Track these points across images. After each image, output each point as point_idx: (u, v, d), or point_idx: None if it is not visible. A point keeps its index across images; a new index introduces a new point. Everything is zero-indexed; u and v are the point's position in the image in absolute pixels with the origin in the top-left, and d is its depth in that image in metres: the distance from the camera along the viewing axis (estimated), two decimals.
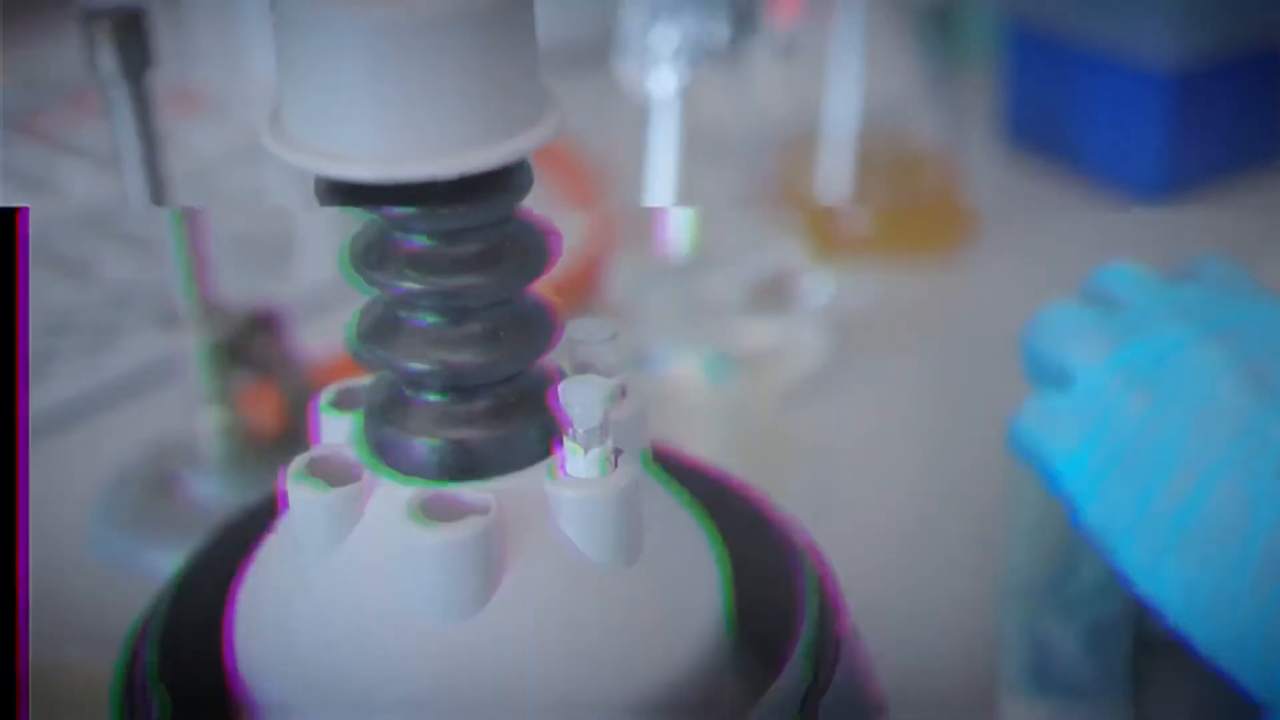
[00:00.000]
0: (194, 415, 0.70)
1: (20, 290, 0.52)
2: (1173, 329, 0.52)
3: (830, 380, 0.79)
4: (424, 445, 0.44)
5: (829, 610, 0.47)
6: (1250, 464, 0.47)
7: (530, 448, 0.45)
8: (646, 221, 0.82)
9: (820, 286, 0.81)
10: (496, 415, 0.44)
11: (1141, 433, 0.50)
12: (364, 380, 0.47)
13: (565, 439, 0.44)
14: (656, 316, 0.78)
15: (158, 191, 0.65)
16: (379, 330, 0.44)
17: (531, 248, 0.44)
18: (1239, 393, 0.49)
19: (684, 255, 0.80)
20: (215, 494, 0.70)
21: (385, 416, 0.45)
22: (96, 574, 0.69)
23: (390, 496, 0.44)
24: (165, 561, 0.52)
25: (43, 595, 0.65)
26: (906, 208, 0.90)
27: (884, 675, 0.48)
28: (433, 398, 0.44)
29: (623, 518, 0.44)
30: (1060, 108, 0.98)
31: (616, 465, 0.44)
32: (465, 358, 0.44)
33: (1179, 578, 0.49)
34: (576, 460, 0.44)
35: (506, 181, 0.43)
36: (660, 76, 0.71)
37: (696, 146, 0.76)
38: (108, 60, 0.62)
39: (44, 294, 0.85)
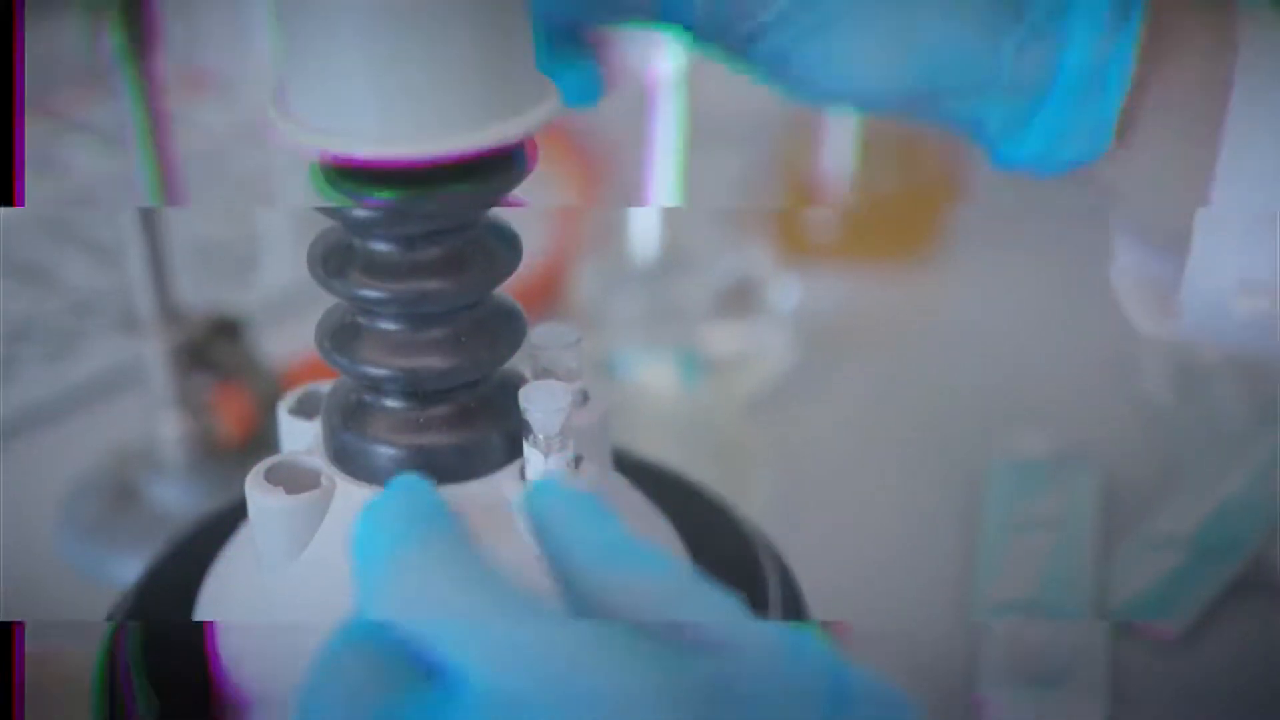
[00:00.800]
0: (157, 421, 0.70)
1: None
2: None
3: (797, 385, 0.79)
4: (385, 451, 0.44)
5: (794, 615, 0.47)
6: None
7: (492, 454, 0.45)
8: (613, 223, 0.81)
9: (787, 291, 0.81)
10: (459, 421, 0.44)
11: None
12: (326, 385, 0.47)
13: (526, 445, 0.43)
14: (622, 320, 0.78)
15: (164, 172, 0.65)
16: (340, 336, 0.44)
17: (496, 252, 0.44)
18: None
19: (650, 258, 0.79)
20: (178, 500, 0.69)
21: (346, 422, 0.45)
22: (59, 579, 0.68)
23: (351, 503, 0.44)
24: (128, 567, 0.52)
25: (7, 597, 0.65)
26: (892, 200, 0.90)
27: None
28: (394, 404, 0.44)
29: None
30: None
31: (578, 471, 0.44)
32: (426, 364, 0.43)
33: None
34: (538, 466, 0.43)
35: (501, 166, 0.43)
36: (661, 59, 0.71)
37: (697, 130, 0.76)
38: (113, 40, 0.62)
39: (6, 300, 0.85)
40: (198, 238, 0.88)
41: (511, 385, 0.45)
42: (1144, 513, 0.68)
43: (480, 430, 0.44)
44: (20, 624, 0.51)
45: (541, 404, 0.43)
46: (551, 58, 0.49)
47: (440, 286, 0.43)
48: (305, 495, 0.44)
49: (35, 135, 0.91)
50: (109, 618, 0.48)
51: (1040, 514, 0.68)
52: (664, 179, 0.76)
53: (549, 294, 0.83)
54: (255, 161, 0.92)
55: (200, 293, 0.77)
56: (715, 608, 0.38)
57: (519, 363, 0.46)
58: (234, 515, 0.49)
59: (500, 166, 0.42)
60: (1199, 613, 0.63)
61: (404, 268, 0.43)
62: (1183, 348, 0.76)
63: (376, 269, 0.43)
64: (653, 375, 0.75)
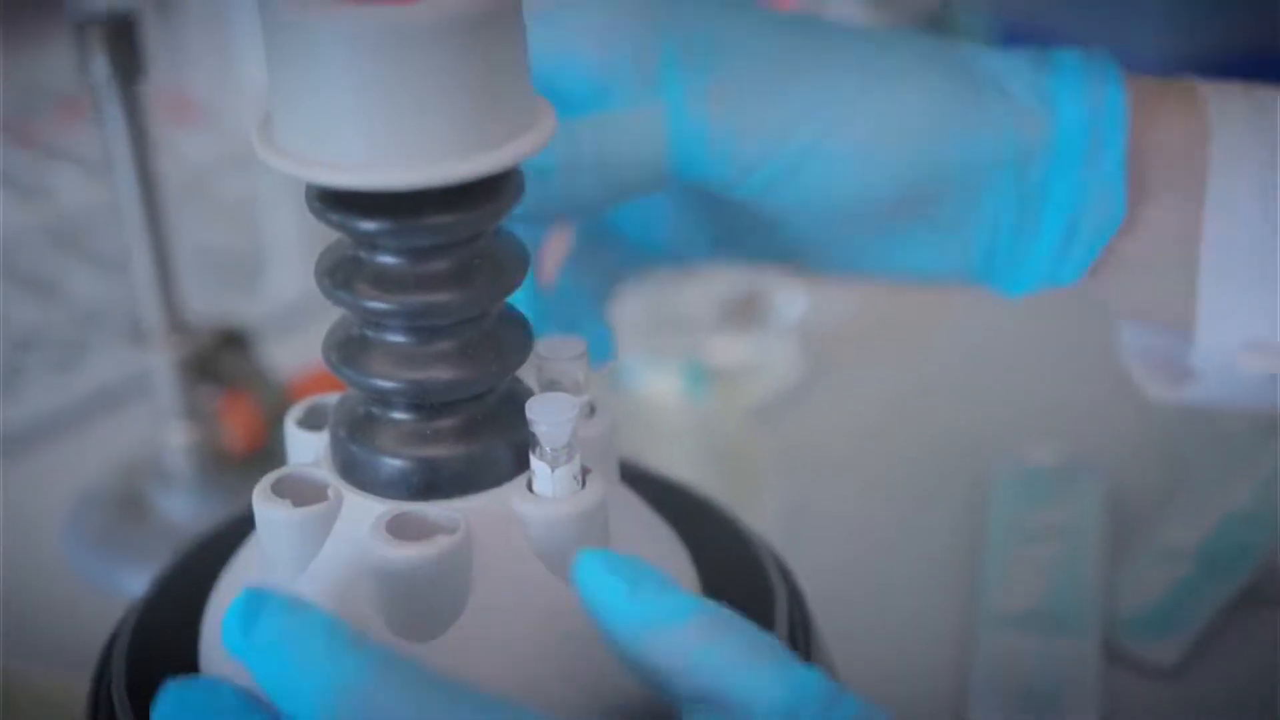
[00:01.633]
0: (164, 431, 0.70)
1: None
2: None
3: (804, 396, 0.79)
4: (392, 464, 0.44)
5: (800, 628, 0.47)
6: None
7: (499, 466, 0.45)
8: None
9: (794, 302, 0.81)
10: (465, 433, 0.44)
11: None
12: (333, 397, 0.47)
13: (533, 457, 0.43)
14: (628, 331, 0.78)
15: (149, 196, 0.65)
16: (347, 348, 0.44)
17: (503, 263, 0.44)
18: None
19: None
20: (185, 510, 0.70)
21: (354, 434, 0.45)
22: (68, 590, 0.68)
23: (359, 515, 0.44)
24: (136, 578, 0.52)
25: (14, 610, 0.65)
26: None
27: (854, 692, 0.48)
28: (401, 416, 0.44)
29: (591, 536, 0.44)
30: None
31: (584, 484, 0.44)
32: (434, 376, 0.43)
33: None
34: (544, 478, 0.43)
35: (498, 190, 0.43)
36: None
37: None
38: (100, 67, 0.62)
39: (13, 310, 0.85)
40: (203, 248, 0.88)
41: (519, 397, 0.45)
42: (1150, 524, 0.68)
43: (487, 442, 0.44)
44: None
45: (548, 417, 0.43)
46: (568, 321, 0.53)
47: (448, 299, 0.43)
48: (313, 508, 0.44)
49: (19, 163, 0.91)
50: (117, 630, 0.48)
51: (1046, 524, 0.68)
52: None
53: None
54: (241, 188, 0.91)
55: (206, 303, 0.77)
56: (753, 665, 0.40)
57: (525, 374, 0.46)
58: (241, 526, 0.49)
59: (496, 189, 0.43)
60: (1205, 625, 0.63)
61: (411, 280, 0.43)
62: None
63: (384, 281, 0.43)
64: (659, 386, 0.75)
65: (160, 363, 0.68)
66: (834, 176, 0.51)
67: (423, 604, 0.42)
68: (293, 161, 0.41)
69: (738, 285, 0.81)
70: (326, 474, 0.45)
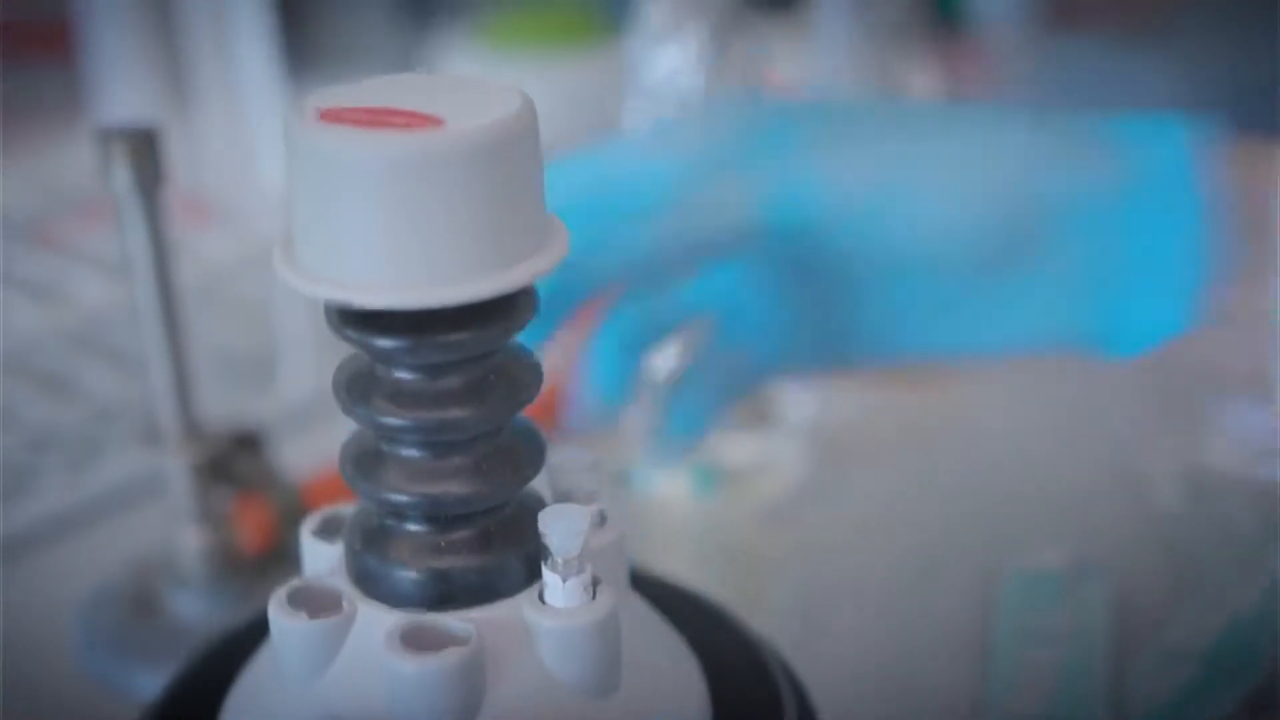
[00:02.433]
0: (177, 533, 0.70)
1: None
2: None
3: (813, 497, 0.79)
4: (406, 575, 0.45)
5: None
6: None
7: (512, 577, 0.45)
8: None
9: (803, 401, 0.81)
10: (479, 545, 0.45)
11: None
12: (348, 507, 0.48)
13: (545, 568, 0.44)
14: (637, 432, 0.79)
15: (167, 301, 0.66)
16: (363, 463, 0.45)
17: (518, 378, 0.45)
18: None
19: (665, 369, 0.80)
20: (198, 611, 0.70)
21: (368, 545, 0.45)
22: (78, 692, 0.68)
23: (373, 625, 0.44)
24: (147, 680, 0.52)
25: (22, 712, 0.65)
26: None
27: None
28: (415, 528, 0.45)
29: (602, 647, 0.44)
30: None
31: (595, 595, 0.44)
32: (449, 490, 0.44)
33: None
34: (556, 590, 0.44)
35: (513, 307, 0.44)
36: None
37: None
38: (123, 178, 0.63)
39: (27, 409, 0.85)
40: (218, 346, 0.89)
41: (531, 507, 0.46)
42: (1157, 626, 0.68)
43: (501, 553, 0.45)
44: None
45: (560, 529, 0.43)
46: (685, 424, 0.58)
47: (463, 415, 0.43)
48: (327, 619, 0.45)
49: (38, 263, 0.92)
50: None
51: (1053, 626, 0.69)
52: None
53: (564, 407, 0.83)
54: (256, 288, 0.92)
55: (221, 402, 0.77)
56: None
57: (538, 482, 0.47)
58: (255, 630, 0.49)
59: (511, 306, 0.44)
60: None
61: (427, 396, 0.43)
62: (1193, 460, 0.76)
63: (400, 397, 0.43)
64: (668, 486, 0.75)
65: (175, 467, 0.68)
66: (922, 214, 0.52)
67: (435, 715, 0.43)
68: (313, 281, 0.42)
69: None
70: (341, 584, 0.46)
